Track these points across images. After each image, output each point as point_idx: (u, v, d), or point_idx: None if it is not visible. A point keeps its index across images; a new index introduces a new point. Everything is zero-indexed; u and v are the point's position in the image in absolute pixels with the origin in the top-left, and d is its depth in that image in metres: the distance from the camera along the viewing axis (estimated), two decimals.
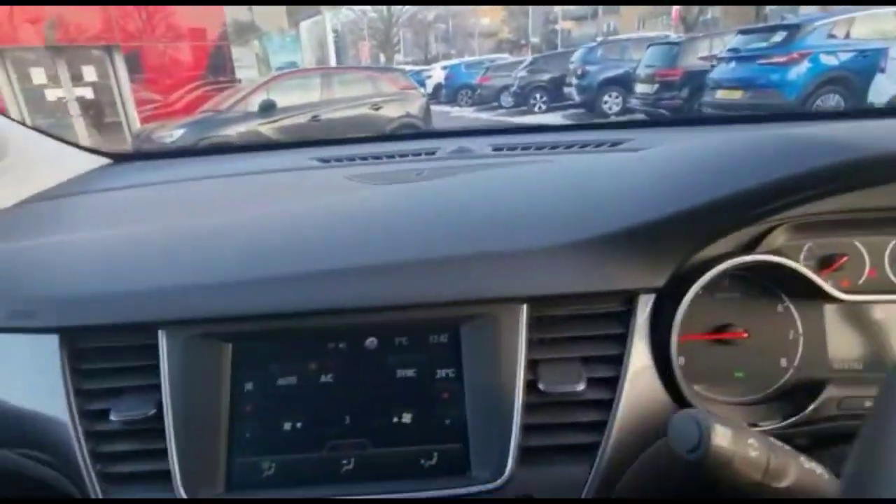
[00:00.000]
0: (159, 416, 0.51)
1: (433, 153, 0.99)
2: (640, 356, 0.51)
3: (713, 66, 7.08)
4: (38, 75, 6.65)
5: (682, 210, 0.48)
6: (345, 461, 0.50)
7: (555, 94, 10.42)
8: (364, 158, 0.98)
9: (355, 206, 0.65)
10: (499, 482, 0.48)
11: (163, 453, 0.50)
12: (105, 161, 1.20)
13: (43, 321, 0.53)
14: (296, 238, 0.58)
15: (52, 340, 0.54)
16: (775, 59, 6.20)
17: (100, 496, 0.50)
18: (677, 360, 0.50)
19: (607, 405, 0.50)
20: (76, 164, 1.14)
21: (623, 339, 0.52)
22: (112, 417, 0.51)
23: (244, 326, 0.52)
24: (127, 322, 0.52)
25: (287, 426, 0.51)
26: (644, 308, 0.52)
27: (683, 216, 0.49)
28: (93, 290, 0.54)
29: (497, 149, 0.98)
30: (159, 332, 0.52)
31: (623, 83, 8.96)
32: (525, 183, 0.67)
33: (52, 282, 0.56)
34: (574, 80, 9.71)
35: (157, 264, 0.56)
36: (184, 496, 0.48)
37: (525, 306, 0.51)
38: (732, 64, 6.70)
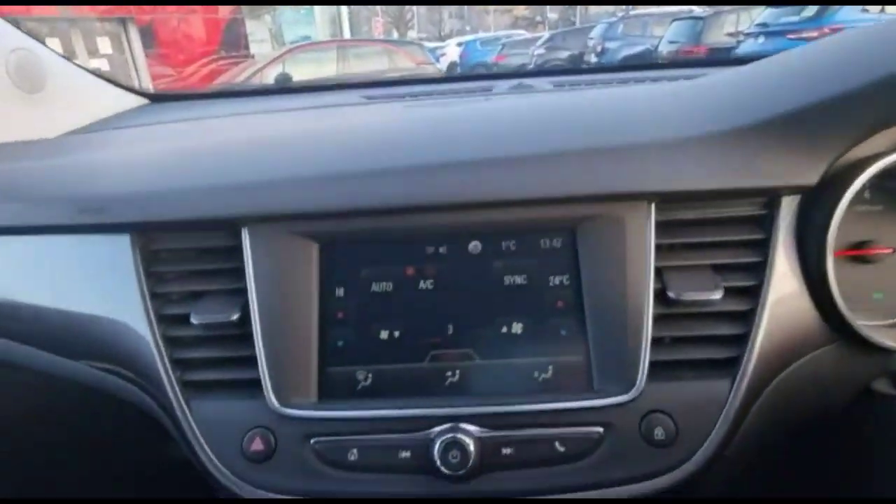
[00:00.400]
0: (244, 321, 0.47)
1: (489, 90, 0.92)
2: (783, 264, 0.45)
3: (739, 43, 6.84)
4: (54, 46, 6.61)
5: (850, 90, 0.42)
6: (449, 373, 0.45)
7: None
8: (414, 96, 0.92)
9: (441, 114, 0.60)
10: (628, 396, 0.42)
11: (249, 361, 0.46)
12: (143, 101, 1.16)
13: (113, 216, 0.48)
14: (385, 134, 0.52)
15: (124, 242, 0.49)
16: (805, 34, 5.96)
17: (183, 405, 0.46)
18: (832, 269, 0.43)
19: (746, 317, 0.44)
20: (114, 101, 1.10)
21: (762, 246, 0.46)
22: (193, 321, 0.46)
23: (334, 225, 0.47)
24: (206, 217, 0.47)
25: (384, 335, 0.46)
26: (789, 210, 0.45)
27: (850, 97, 0.42)
28: (168, 185, 0.49)
29: (559, 85, 0.91)
30: (243, 230, 0.47)
31: (644, 61, 8.71)
32: (624, 92, 0.61)
33: (124, 179, 0.51)
34: (593, 58, 9.46)
35: (236, 161, 0.51)
36: (275, 404, 0.44)
37: (653, 205, 0.45)
38: (760, 39, 6.46)
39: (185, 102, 1.16)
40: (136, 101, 1.14)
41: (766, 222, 0.46)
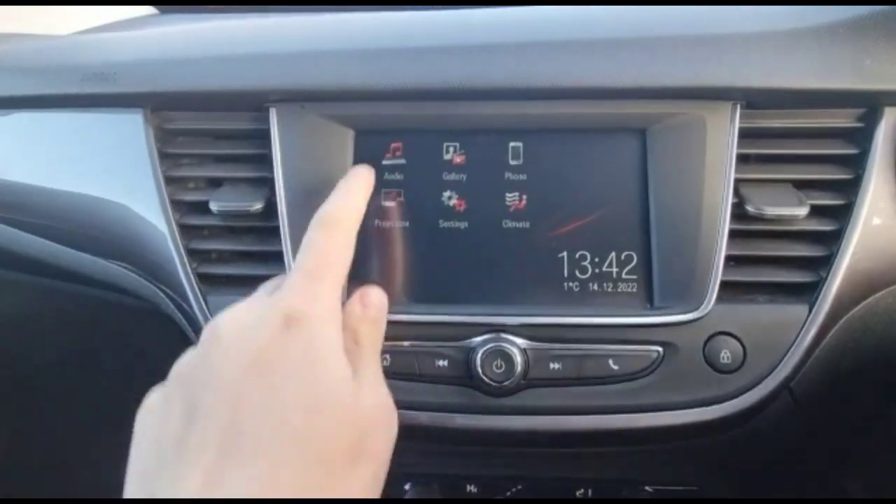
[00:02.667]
0: (268, 212, 0.42)
1: None
2: (879, 183, 0.39)
3: None
4: None
5: None
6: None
7: None
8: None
9: (495, 11, 0.53)
10: (693, 315, 0.38)
11: (273, 256, 0.42)
12: (151, 10, 1.08)
13: (123, 85, 0.43)
14: (435, 16, 0.46)
15: (136, 120, 0.44)
16: None
17: (200, 299, 0.42)
18: None
19: (832, 238, 0.40)
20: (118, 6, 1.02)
21: (855, 162, 0.40)
22: (212, 208, 0.42)
23: (374, 109, 0.42)
24: (229, 89, 0.42)
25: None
26: (891, 123, 0.40)
27: None
28: (187, 54, 0.43)
29: None
30: (270, 110, 0.42)
31: None
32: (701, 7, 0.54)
33: (136, 49, 0.46)
34: None
35: (266, 35, 0.45)
36: None
37: (738, 107, 0.40)
38: None
39: (200, 14, 1.09)
40: (143, 9, 1.06)
41: (861, 136, 0.41)
